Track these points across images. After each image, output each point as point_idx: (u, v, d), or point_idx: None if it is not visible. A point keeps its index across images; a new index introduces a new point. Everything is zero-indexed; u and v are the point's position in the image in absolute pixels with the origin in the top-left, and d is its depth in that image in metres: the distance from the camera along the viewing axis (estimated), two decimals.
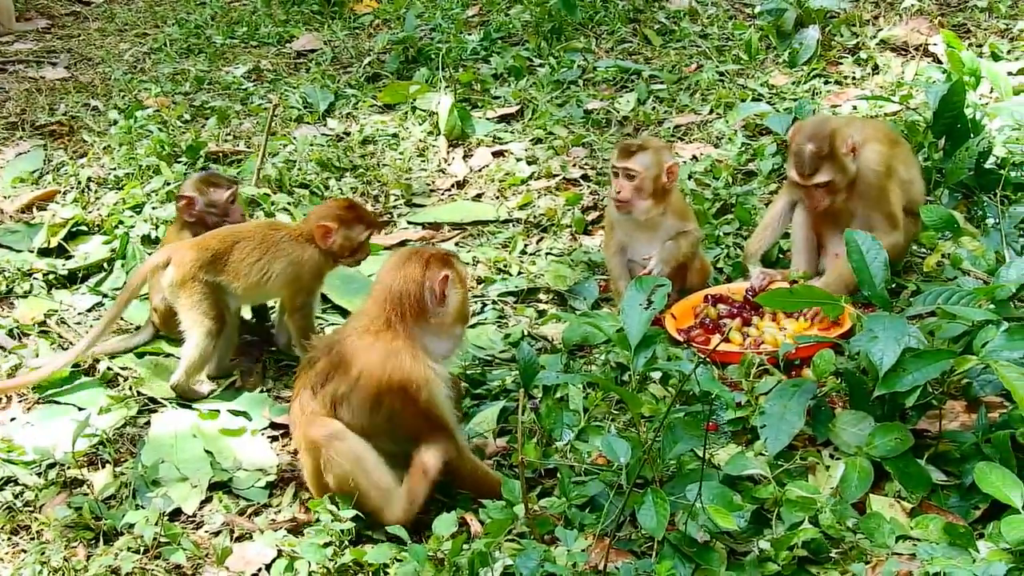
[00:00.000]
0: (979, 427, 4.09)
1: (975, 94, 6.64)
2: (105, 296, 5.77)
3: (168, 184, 6.38)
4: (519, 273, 5.78)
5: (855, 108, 6.92)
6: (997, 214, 5.56)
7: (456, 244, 6.11)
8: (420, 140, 7.12)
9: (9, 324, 5.54)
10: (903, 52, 7.64)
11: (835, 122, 5.30)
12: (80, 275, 5.95)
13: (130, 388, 5.06)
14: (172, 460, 4.58)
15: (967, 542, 3.70)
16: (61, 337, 5.48)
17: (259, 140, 6.98)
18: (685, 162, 6.52)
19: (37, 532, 4.28)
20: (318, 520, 4.04)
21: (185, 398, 5.00)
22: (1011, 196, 5.71)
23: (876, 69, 7.46)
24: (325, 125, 7.42)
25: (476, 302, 5.52)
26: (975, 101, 6.42)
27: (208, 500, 4.42)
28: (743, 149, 6.66)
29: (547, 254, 5.96)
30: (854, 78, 7.40)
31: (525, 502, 3.87)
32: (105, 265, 5.98)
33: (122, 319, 5.49)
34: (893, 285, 5.17)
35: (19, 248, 6.17)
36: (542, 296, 5.63)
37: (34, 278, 5.89)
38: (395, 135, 7.19)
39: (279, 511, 4.35)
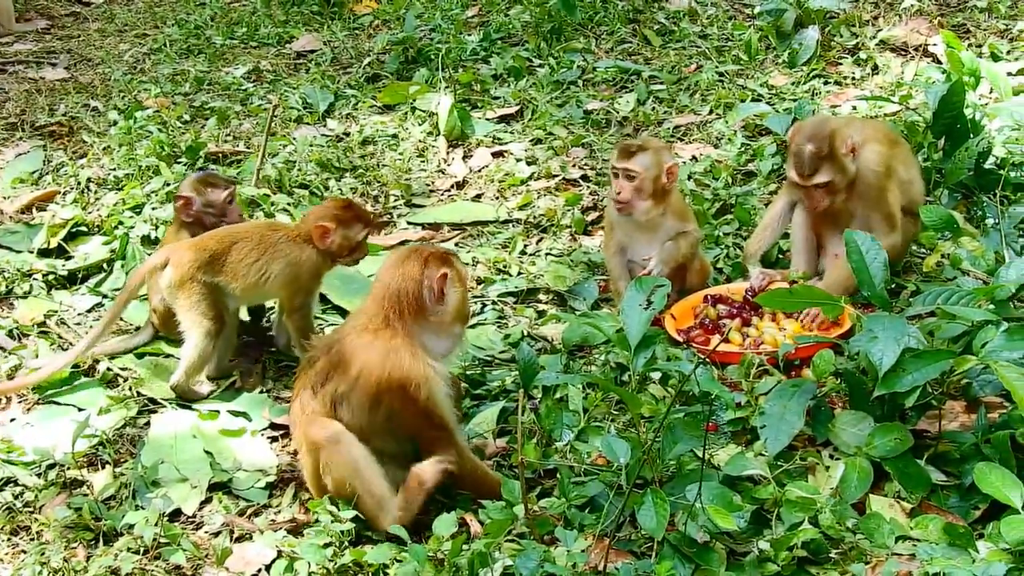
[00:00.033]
0: (979, 427, 4.10)
1: (975, 94, 6.64)
2: (105, 297, 5.77)
3: (168, 185, 6.38)
4: (519, 273, 5.78)
5: (855, 108, 6.92)
6: (997, 214, 5.56)
7: (456, 244, 6.11)
8: (420, 140, 7.12)
9: (9, 325, 5.54)
10: (903, 52, 7.64)
11: (835, 122, 5.30)
12: (80, 276, 5.95)
13: (130, 389, 5.06)
14: (172, 461, 4.59)
15: (967, 542, 3.71)
16: (61, 338, 5.48)
17: (259, 141, 6.98)
18: (685, 162, 6.52)
19: (37, 533, 4.28)
20: (318, 521, 4.04)
21: (185, 399, 5.00)
22: (1010, 196, 5.71)
23: (876, 69, 7.46)
24: (325, 126, 7.42)
25: (476, 302, 5.52)
26: (975, 101, 6.42)
27: (208, 501, 4.43)
28: (743, 149, 6.67)
29: (547, 254, 5.96)
30: (854, 78, 7.40)
31: (525, 502, 3.87)
32: (105, 266, 5.98)
33: (122, 319, 5.49)
34: (893, 285, 5.17)
35: (19, 249, 6.17)
36: (542, 296, 5.63)
37: (34, 279, 5.89)
38: (395, 136, 7.19)
39: (279, 512, 4.35)
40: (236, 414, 4.90)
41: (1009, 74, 6.98)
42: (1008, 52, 7.43)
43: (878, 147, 5.23)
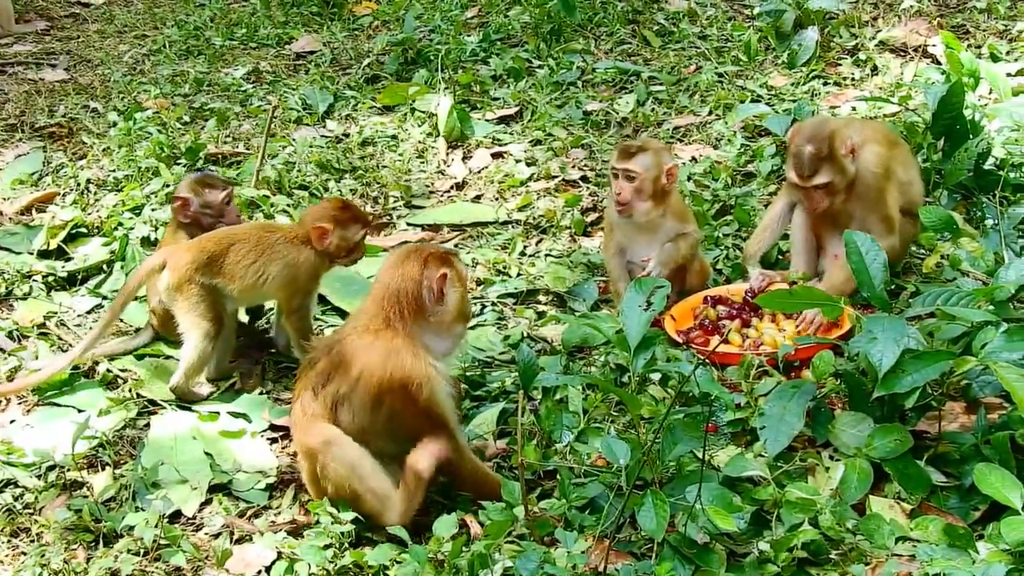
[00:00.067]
0: (978, 428, 4.10)
1: (974, 95, 6.64)
2: (104, 298, 5.77)
3: (168, 186, 6.38)
4: (518, 275, 5.78)
5: (854, 109, 6.92)
6: (996, 215, 5.56)
7: (455, 245, 6.11)
8: (419, 142, 7.12)
9: (8, 326, 5.54)
10: (902, 53, 7.64)
11: (834, 123, 5.30)
12: (79, 277, 5.95)
13: (130, 390, 5.05)
14: (172, 462, 4.58)
15: (967, 543, 3.71)
16: (60, 339, 5.47)
17: (258, 142, 6.98)
18: (684, 163, 6.52)
19: (37, 534, 4.28)
20: (318, 522, 4.04)
21: (184, 400, 5.00)
22: (1010, 197, 5.71)
23: (875, 70, 7.47)
24: (324, 127, 7.43)
25: (475, 304, 5.52)
26: (974, 102, 6.42)
27: (208, 502, 4.43)
28: (742, 150, 6.67)
29: (546, 255, 5.96)
30: (853, 79, 7.40)
31: (525, 504, 3.87)
32: (104, 267, 5.98)
33: (122, 321, 5.49)
34: (892, 286, 5.17)
35: (18, 250, 6.17)
36: (541, 298, 5.63)
37: (33, 280, 5.89)
38: (394, 137, 7.19)
39: (279, 513, 4.35)
40: (236, 415, 4.90)
41: (1008, 75, 6.98)
42: (1007, 53, 7.43)
43: (877, 148, 5.23)
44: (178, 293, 4.97)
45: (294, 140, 7.10)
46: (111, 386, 5.13)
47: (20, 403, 5.06)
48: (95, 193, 6.63)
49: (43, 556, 4.12)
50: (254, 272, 4.99)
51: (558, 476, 4.11)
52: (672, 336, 5.05)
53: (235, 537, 4.23)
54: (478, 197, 6.58)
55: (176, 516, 4.36)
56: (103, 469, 4.61)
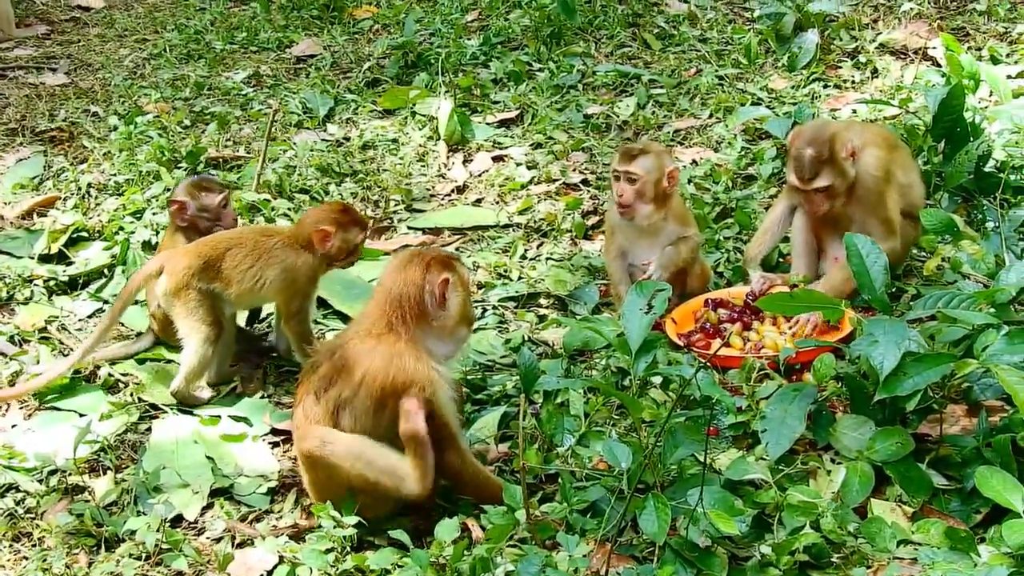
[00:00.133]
0: (980, 431, 4.10)
1: (974, 98, 6.65)
2: (106, 302, 5.76)
3: (168, 190, 6.37)
4: (519, 278, 5.78)
5: (855, 112, 6.92)
6: (997, 218, 5.56)
7: (456, 249, 6.11)
8: (420, 145, 7.13)
9: (10, 331, 5.54)
10: (902, 56, 7.65)
11: (835, 126, 5.31)
12: (81, 281, 5.95)
13: (131, 394, 5.06)
14: (173, 466, 4.58)
15: (968, 546, 3.71)
16: (62, 343, 5.47)
17: (259, 145, 6.98)
18: (685, 166, 6.52)
19: (39, 539, 4.28)
20: (320, 526, 4.03)
21: (186, 404, 5.00)
22: (1011, 199, 5.72)
23: (875, 73, 7.47)
24: (325, 130, 7.43)
25: (477, 307, 5.52)
26: (974, 105, 6.43)
27: (209, 506, 4.42)
28: (743, 153, 6.67)
29: (547, 259, 5.96)
30: (853, 82, 7.40)
31: (526, 507, 3.87)
32: (106, 271, 5.98)
33: (123, 325, 5.50)
34: (893, 289, 5.17)
35: (19, 254, 6.17)
36: (542, 301, 5.63)
37: (35, 284, 5.89)
38: (395, 140, 7.19)
39: (280, 517, 4.35)
40: (237, 419, 4.90)
41: (1009, 77, 6.99)
42: (1008, 55, 7.43)
43: (877, 151, 5.23)
44: (176, 298, 4.97)
45: (295, 144, 7.10)
46: (112, 390, 5.13)
47: (21, 407, 5.06)
48: (96, 197, 6.64)
49: (45, 561, 4.12)
50: (252, 276, 4.99)
51: (559, 480, 4.10)
52: (673, 339, 5.05)
53: (237, 541, 4.23)
54: (479, 201, 6.59)
55: (178, 520, 4.36)
56: (104, 473, 4.61)
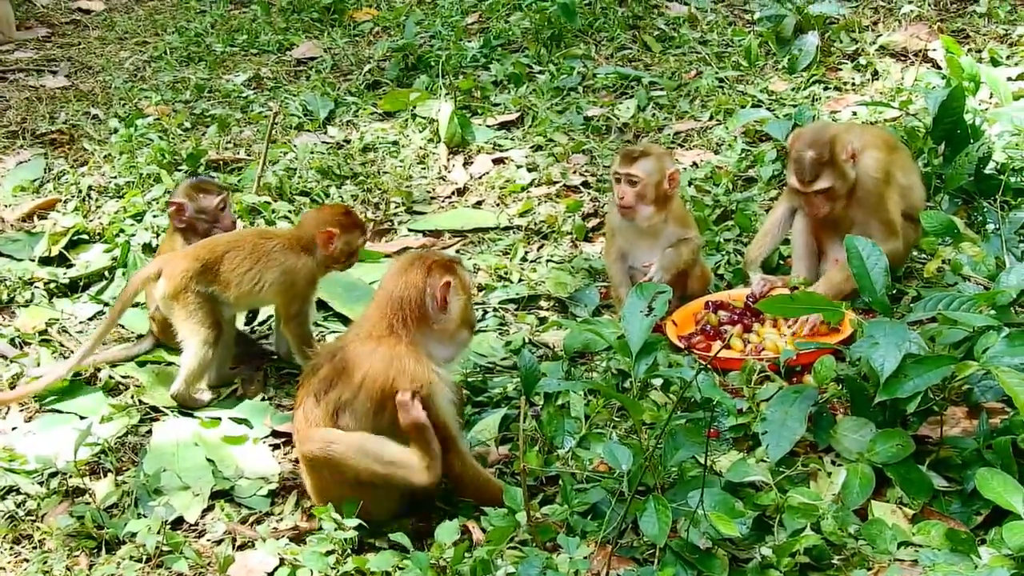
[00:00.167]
0: (980, 433, 4.10)
1: (975, 99, 6.65)
2: (106, 304, 5.76)
3: (169, 192, 6.37)
4: (520, 280, 5.78)
5: (855, 114, 6.92)
6: (997, 219, 5.56)
7: (457, 251, 6.11)
8: (420, 147, 7.13)
9: (11, 333, 5.54)
10: (902, 58, 7.65)
11: (835, 128, 5.31)
12: (81, 284, 5.96)
13: (132, 397, 5.06)
14: (174, 468, 4.58)
15: (969, 548, 3.71)
16: (62, 346, 5.48)
17: (259, 148, 6.98)
18: (685, 169, 6.52)
19: (39, 541, 4.28)
20: (320, 528, 4.04)
21: (186, 406, 5.00)
22: (1011, 201, 5.72)
23: (876, 75, 7.47)
24: (325, 133, 7.43)
25: (477, 309, 5.52)
26: (975, 107, 6.43)
27: (210, 508, 4.42)
28: (743, 155, 6.67)
29: (548, 261, 5.96)
30: (854, 84, 7.41)
31: (527, 509, 3.87)
32: (106, 273, 5.99)
33: (123, 328, 5.50)
34: (893, 291, 5.17)
35: (20, 257, 6.17)
36: (543, 303, 5.64)
37: (35, 287, 5.90)
38: (395, 143, 7.20)
39: (281, 519, 4.35)
40: (238, 421, 4.90)
41: (1009, 79, 6.99)
42: (1008, 57, 7.44)
43: (877, 153, 5.23)
44: (174, 301, 4.97)
45: (295, 146, 7.11)
46: (113, 393, 5.13)
47: (22, 410, 5.06)
48: (96, 200, 6.64)
49: (45, 563, 4.12)
50: (251, 279, 4.99)
51: (560, 482, 4.10)
52: (674, 341, 5.05)
53: (237, 543, 4.23)
54: (479, 203, 6.59)
55: (178, 523, 4.36)
56: (105, 476, 4.61)
